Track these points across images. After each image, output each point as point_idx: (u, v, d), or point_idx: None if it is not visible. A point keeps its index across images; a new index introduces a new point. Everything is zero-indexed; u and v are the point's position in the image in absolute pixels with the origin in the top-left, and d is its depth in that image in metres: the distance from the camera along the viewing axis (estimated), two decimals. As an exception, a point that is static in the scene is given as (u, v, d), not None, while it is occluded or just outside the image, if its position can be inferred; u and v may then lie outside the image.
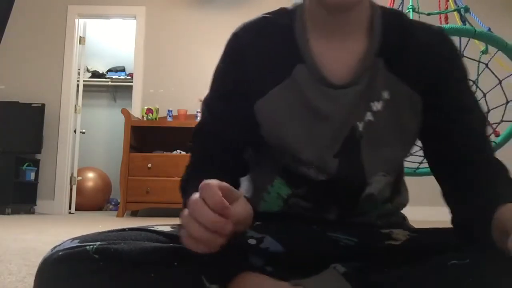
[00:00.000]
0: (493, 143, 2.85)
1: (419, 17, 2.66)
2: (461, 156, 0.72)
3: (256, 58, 0.75)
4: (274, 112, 0.74)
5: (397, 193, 0.83)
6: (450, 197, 0.74)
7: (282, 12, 0.78)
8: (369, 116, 0.73)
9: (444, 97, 0.73)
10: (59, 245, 0.61)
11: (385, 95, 0.73)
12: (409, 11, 2.63)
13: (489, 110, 2.79)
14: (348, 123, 0.73)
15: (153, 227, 0.67)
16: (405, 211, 0.90)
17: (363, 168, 0.74)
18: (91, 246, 0.59)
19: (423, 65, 0.73)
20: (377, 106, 0.73)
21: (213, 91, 0.80)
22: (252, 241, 0.69)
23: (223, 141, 0.77)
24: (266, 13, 0.79)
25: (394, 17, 0.75)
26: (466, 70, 0.76)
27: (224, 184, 0.55)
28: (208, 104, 0.80)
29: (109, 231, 0.65)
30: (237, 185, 0.81)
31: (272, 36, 0.76)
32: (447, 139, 0.73)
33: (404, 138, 0.75)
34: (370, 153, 0.74)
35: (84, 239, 0.61)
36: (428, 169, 0.80)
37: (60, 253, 0.59)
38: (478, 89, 2.75)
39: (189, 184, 0.71)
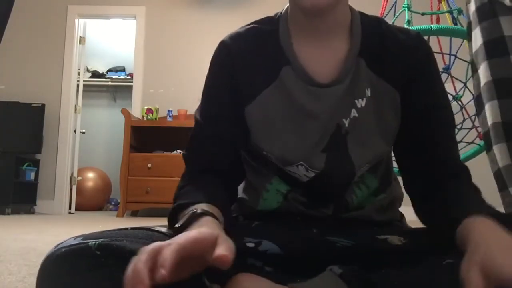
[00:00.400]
0: (477, 146, 2.85)
1: (412, 16, 2.66)
2: (427, 154, 0.78)
3: (244, 64, 0.78)
4: (264, 113, 0.77)
5: (388, 183, 0.85)
6: (415, 196, 0.79)
7: (266, 20, 0.83)
8: (354, 113, 0.77)
9: (417, 95, 0.78)
10: (62, 243, 0.61)
11: (368, 92, 0.77)
12: (404, 10, 2.63)
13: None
14: (334, 120, 0.77)
15: (155, 228, 0.67)
16: (405, 211, 0.90)
17: (351, 161, 0.77)
18: (94, 242, 0.59)
19: (401, 64, 0.77)
20: (361, 103, 0.77)
21: (206, 99, 0.82)
22: (251, 244, 0.69)
23: (220, 145, 0.78)
24: (251, 23, 0.83)
25: (373, 21, 0.80)
26: (438, 71, 0.81)
27: (193, 236, 0.50)
28: (202, 111, 0.81)
29: (111, 230, 0.65)
30: (234, 192, 0.83)
31: (258, 42, 0.79)
32: (415, 138, 0.79)
33: (386, 133, 0.79)
34: (357, 147, 0.77)
35: (87, 236, 0.61)
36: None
37: (63, 250, 0.59)
38: (467, 90, 2.75)
39: (181, 195, 0.73)
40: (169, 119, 4.82)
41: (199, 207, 0.64)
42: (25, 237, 2.33)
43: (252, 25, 0.82)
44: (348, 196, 0.80)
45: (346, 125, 0.77)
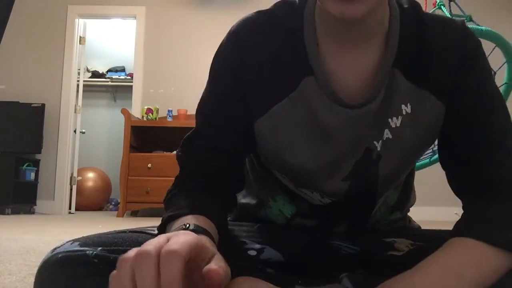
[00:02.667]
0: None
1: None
2: (473, 168, 0.66)
3: (257, 66, 0.65)
4: (277, 131, 0.66)
5: (407, 199, 0.80)
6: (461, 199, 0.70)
7: (289, 8, 0.67)
8: (387, 134, 0.66)
9: (463, 101, 0.66)
10: (59, 247, 0.61)
11: (406, 108, 0.65)
12: (440, 8, 2.59)
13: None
14: (362, 144, 0.66)
15: (154, 230, 0.67)
16: (413, 212, 0.89)
17: (375, 188, 0.69)
18: (91, 252, 0.58)
19: (444, 69, 0.65)
20: (395, 122, 0.65)
21: (209, 98, 0.70)
22: (252, 253, 0.67)
23: (220, 151, 0.68)
24: (270, 9, 0.68)
25: (411, 14, 0.66)
26: (487, 69, 0.68)
27: (195, 243, 0.43)
28: (203, 111, 0.70)
29: (109, 233, 0.65)
30: (232, 202, 0.73)
31: (276, 39, 0.65)
32: (461, 148, 0.67)
33: (421, 147, 0.70)
34: (386, 172, 0.68)
35: (84, 241, 0.61)
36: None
37: (60, 256, 0.58)
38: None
39: (173, 203, 0.64)
40: (169, 119, 4.82)
41: (191, 221, 0.56)
42: (25, 237, 2.32)
43: (271, 13, 0.67)
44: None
45: (378, 148, 0.66)
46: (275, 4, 0.69)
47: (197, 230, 0.53)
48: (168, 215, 0.61)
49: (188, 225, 0.54)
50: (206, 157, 0.68)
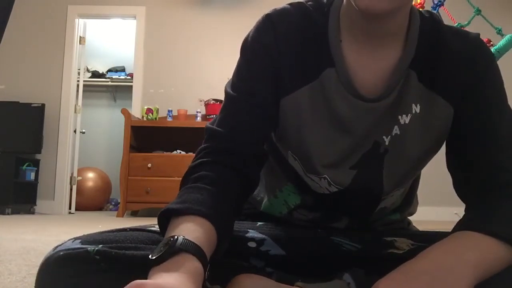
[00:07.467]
0: None
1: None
2: (479, 172, 0.68)
3: (288, 49, 0.70)
4: (297, 113, 0.70)
5: (409, 204, 0.83)
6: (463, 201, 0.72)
7: (316, 4, 0.72)
8: (396, 130, 0.70)
9: (471, 109, 0.70)
10: (60, 245, 0.61)
11: (416, 108, 0.69)
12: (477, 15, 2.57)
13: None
14: (371, 137, 0.70)
15: (154, 227, 0.67)
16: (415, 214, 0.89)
17: (381, 183, 0.72)
18: (92, 248, 0.58)
19: (458, 76, 0.69)
20: (405, 119, 0.70)
21: (243, 75, 0.72)
22: (252, 244, 0.69)
23: (251, 125, 0.69)
24: (303, 2, 0.73)
25: (431, 25, 0.71)
26: (498, 80, 0.71)
27: None
28: (237, 86, 0.71)
29: (110, 231, 0.65)
30: (251, 185, 0.71)
31: (306, 29, 0.70)
32: (467, 153, 0.70)
33: (429, 150, 0.73)
34: (392, 168, 0.71)
35: (85, 239, 0.61)
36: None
37: (61, 253, 0.59)
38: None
39: (186, 189, 0.64)
40: (169, 119, 4.82)
41: (184, 232, 0.55)
42: (25, 237, 2.32)
43: (302, 6, 0.72)
44: (367, 214, 0.77)
45: (386, 143, 0.70)
46: (306, 0, 0.74)
47: (185, 247, 0.52)
48: (172, 207, 0.60)
49: (175, 244, 0.53)
50: (236, 124, 0.69)
